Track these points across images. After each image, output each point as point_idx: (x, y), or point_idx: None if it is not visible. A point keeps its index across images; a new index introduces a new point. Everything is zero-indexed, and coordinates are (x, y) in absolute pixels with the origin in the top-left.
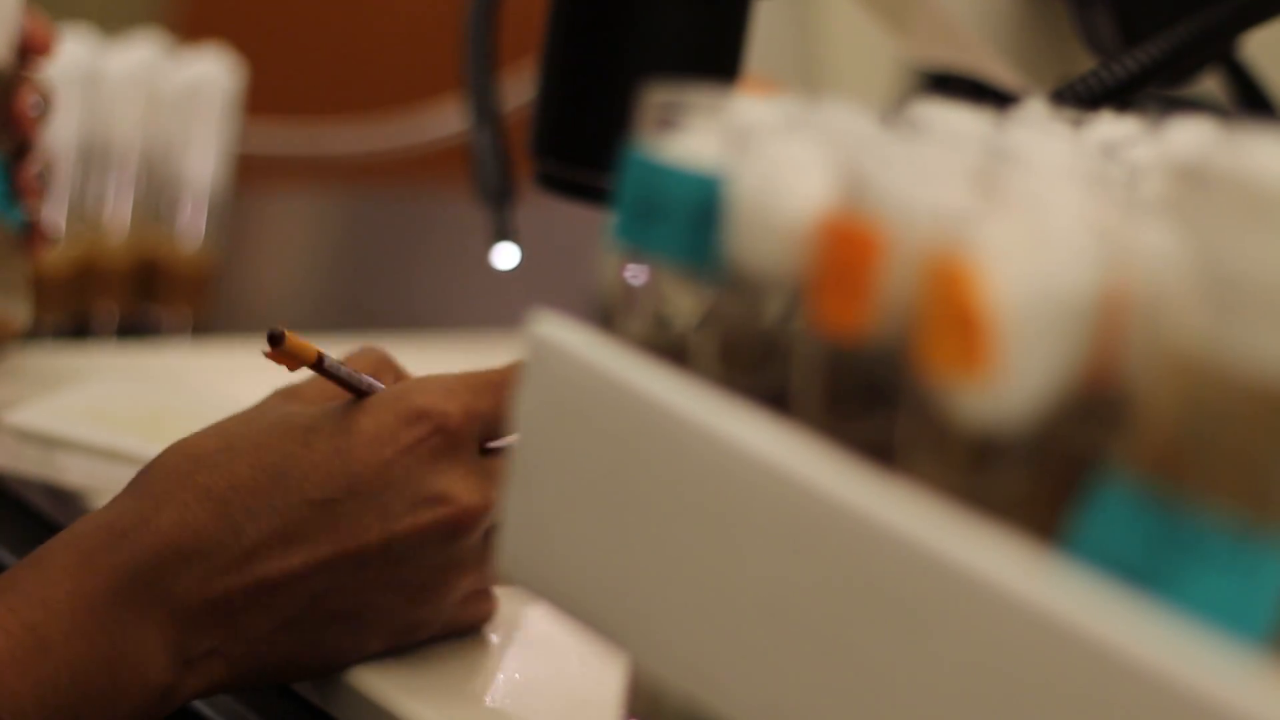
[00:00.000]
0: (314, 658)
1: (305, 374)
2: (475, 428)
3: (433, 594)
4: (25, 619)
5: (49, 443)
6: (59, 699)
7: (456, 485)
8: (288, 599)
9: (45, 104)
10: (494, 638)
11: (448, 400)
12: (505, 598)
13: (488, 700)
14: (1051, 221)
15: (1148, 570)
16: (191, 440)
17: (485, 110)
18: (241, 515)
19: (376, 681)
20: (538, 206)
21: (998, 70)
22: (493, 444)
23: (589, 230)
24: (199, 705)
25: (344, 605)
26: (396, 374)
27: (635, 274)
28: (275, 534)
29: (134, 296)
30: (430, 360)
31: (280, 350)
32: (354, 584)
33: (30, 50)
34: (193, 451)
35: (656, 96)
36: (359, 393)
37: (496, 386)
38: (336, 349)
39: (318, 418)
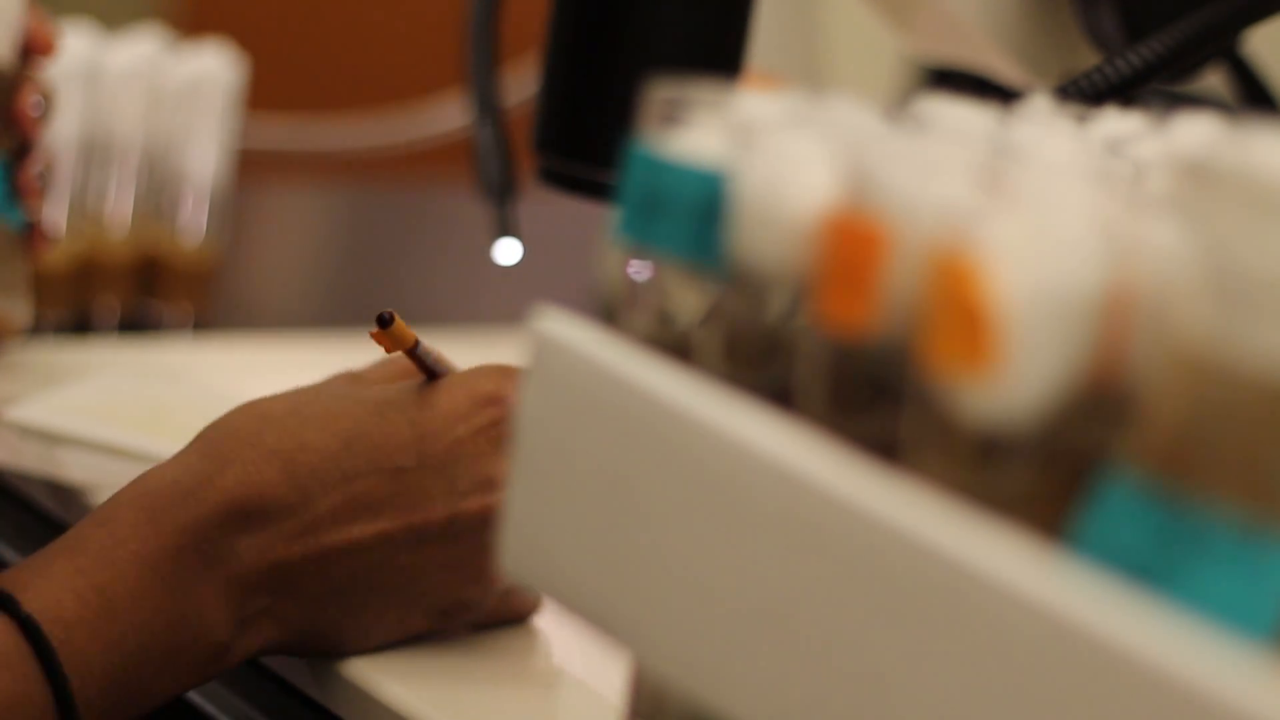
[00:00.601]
0: (360, 628)
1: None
2: None
3: (484, 576)
4: (94, 580)
5: (50, 439)
6: (124, 659)
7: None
8: (345, 567)
9: (46, 104)
10: (496, 635)
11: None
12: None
13: (490, 699)
14: (1057, 218)
15: (1153, 567)
16: (261, 402)
17: (487, 105)
18: (309, 479)
19: (380, 678)
20: (540, 202)
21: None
22: None
23: (591, 226)
24: (199, 701)
25: (396, 579)
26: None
27: (638, 270)
28: (342, 501)
29: (135, 292)
30: None
31: (386, 332)
32: (411, 559)
33: (32, 50)
34: (262, 411)
35: (660, 92)
36: (435, 379)
37: None
38: (341, 345)
39: (391, 393)
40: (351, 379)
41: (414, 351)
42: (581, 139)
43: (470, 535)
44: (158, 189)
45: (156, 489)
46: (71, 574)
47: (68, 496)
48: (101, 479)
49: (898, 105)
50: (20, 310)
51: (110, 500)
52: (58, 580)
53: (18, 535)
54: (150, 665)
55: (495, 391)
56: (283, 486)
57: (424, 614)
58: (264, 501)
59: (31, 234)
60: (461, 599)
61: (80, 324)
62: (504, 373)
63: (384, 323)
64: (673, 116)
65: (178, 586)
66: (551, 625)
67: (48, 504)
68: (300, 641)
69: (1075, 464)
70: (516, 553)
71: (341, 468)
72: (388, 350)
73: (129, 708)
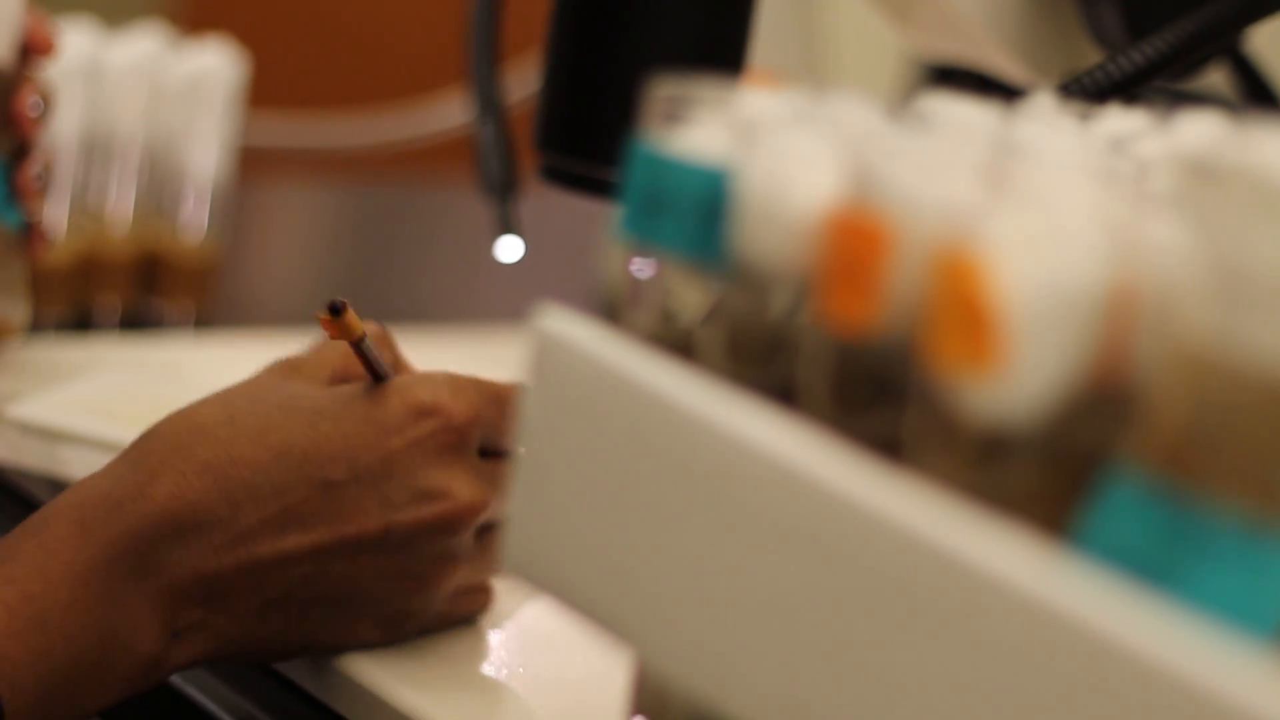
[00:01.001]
0: (300, 638)
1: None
2: (478, 430)
3: (426, 585)
4: (24, 590)
5: (51, 436)
6: (54, 670)
7: (457, 481)
8: (279, 579)
9: (45, 104)
10: (498, 633)
11: (455, 398)
12: (509, 592)
13: (493, 699)
14: (1061, 216)
15: (1157, 565)
16: (193, 410)
17: (489, 103)
18: (241, 492)
19: (382, 676)
20: (541, 199)
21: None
22: (492, 450)
23: (593, 224)
24: (201, 698)
25: (335, 590)
26: (394, 353)
27: (641, 268)
28: (274, 514)
29: (136, 289)
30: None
31: (336, 320)
32: (347, 570)
33: (32, 50)
34: (194, 421)
35: (662, 89)
36: (376, 377)
37: (501, 397)
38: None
39: (324, 401)
40: (288, 370)
41: (359, 345)
42: (583, 136)
43: (407, 546)
44: (159, 186)
45: (88, 499)
46: (1, 584)
47: None
48: None
49: (900, 103)
50: (19, 311)
51: (42, 510)
52: None
53: None
54: (81, 676)
55: (433, 402)
56: (213, 499)
57: (368, 624)
58: (195, 514)
59: (30, 235)
60: (403, 609)
61: (81, 321)
62: (450, 384)
63: (335, 311)
64: (675, 114)
65: (108, 598)
66: (555, 622)
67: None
68: (238, 652)
69: (1079, 462)
70: (520, 550)
71: (272, 480)
72: (332, 337)
73: (59, 719)
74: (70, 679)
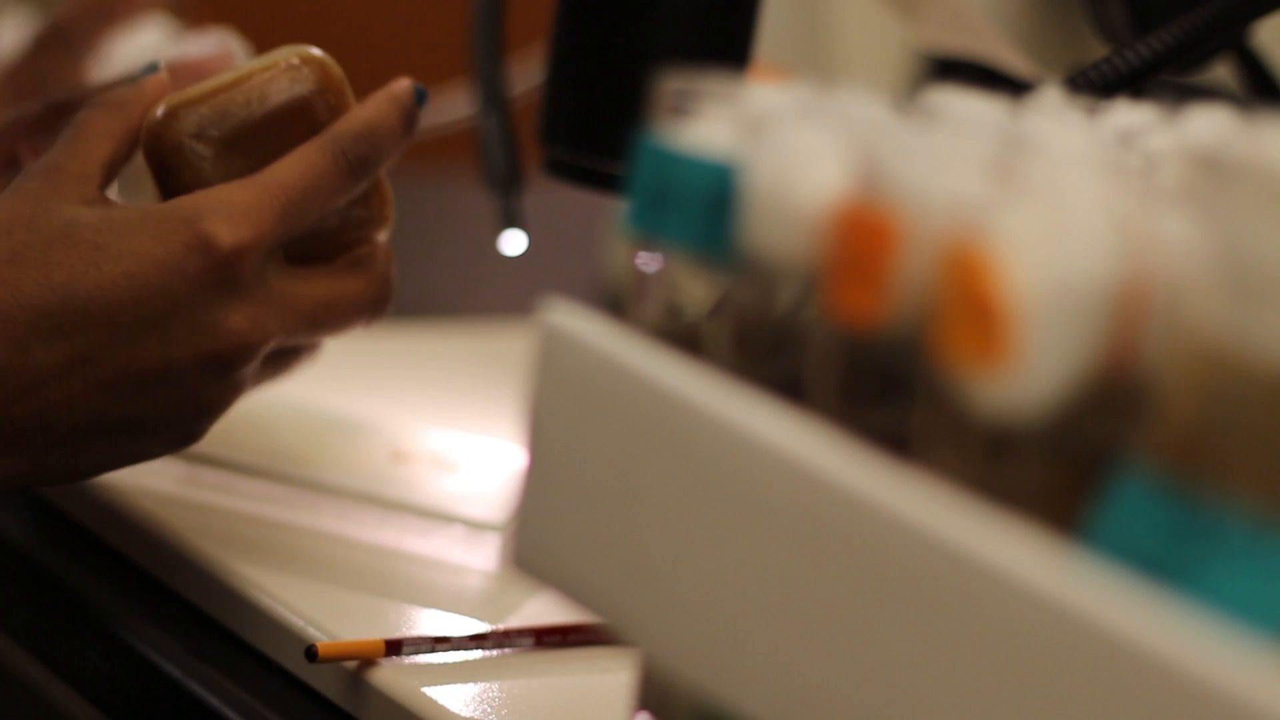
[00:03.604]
0: (91, 464)
1: None
2: (262, 254)
3: (211, 411)
4: None
5: None
6: None
7: (236, 317)
8: (67, 418)
9: None
10: (504, 629)
11: (239, 229)
12: (510, 589)
13: (500, 701)
14: (1069, 210)
15: (1167, 562)
16: None
17: (493, 96)
18: (29, 335)
19: (403, 681)
20: (546, 193)
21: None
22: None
23: (598, 218)
24: (203, 694)
25: (122, 421)
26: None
27: (647, 262)
28: (62, 358)
29: None
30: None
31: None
32: (133, 403)
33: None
34: None
35: (668, 83)
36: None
37: (288, 206)
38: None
39: (105, 233)
40: (56, 180)
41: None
42: (588, 130)
43: (189, 381)
44: None
45: None
46: None
47: (75, 487)
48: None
49: (907, 97)
50: None
51: None
52: None
53: (21, 528)
54: None
55: (214, 238)
56: (2, 344)
57: (158, 444)
58: None
59: None
60: (191, 430)
61: None
62: (241, 211)
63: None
64: (681, 108)
65: None
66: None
67: (52, 497)
68: (29, 483)
69: (1088, 458)
70: (527, 545)
71: (59, 324)
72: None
73: None
74: None
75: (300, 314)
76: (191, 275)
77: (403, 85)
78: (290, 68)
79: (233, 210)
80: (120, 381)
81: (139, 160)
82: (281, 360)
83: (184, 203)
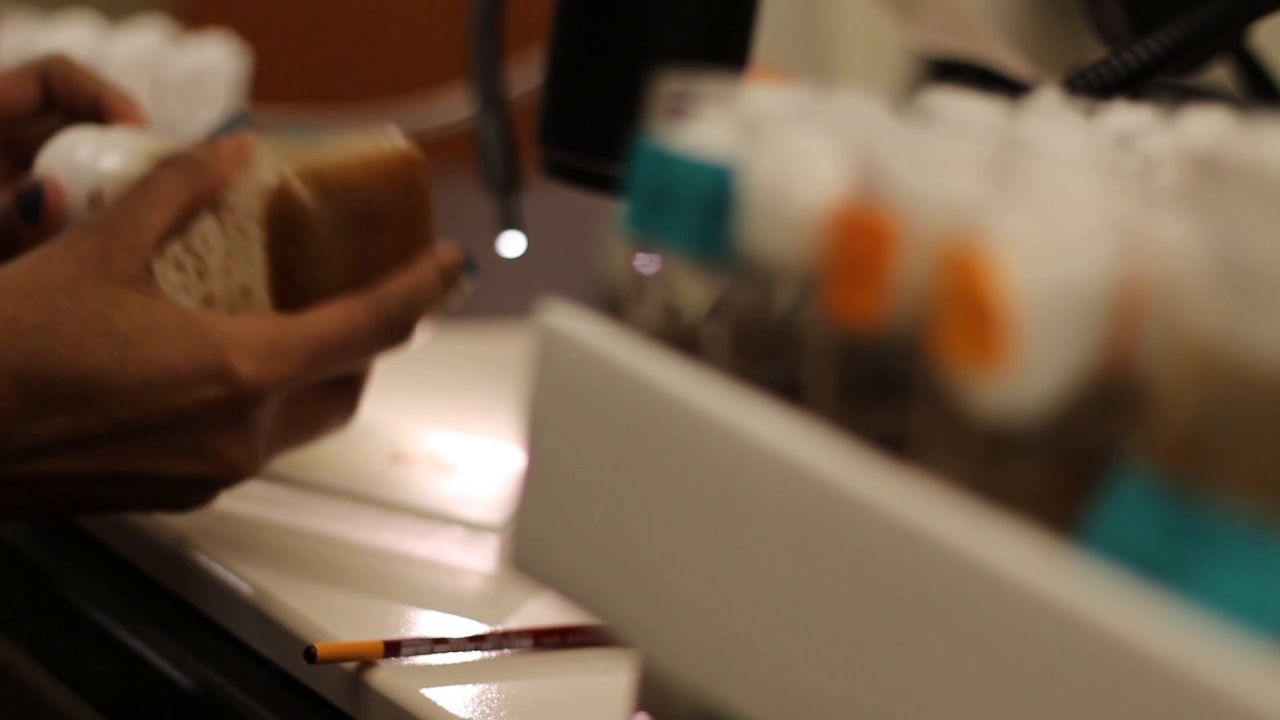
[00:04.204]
0: (65, 516)
1: None
2: (274, 393)
3: (182, 506)
4: None
5: None
6: None
7: (236, 449)
8: (49, 491)
9: None
10: (501, 629)
11: (264, 370)
12: (509, 590)
13: (499, 703)
14: (1067, 211)
15: (1164, 563)
16: (11, 299)
17: (491, 97)
18: (39, 406)
19: (402, 682)
20: (544, 195)
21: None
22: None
23: (597, 219)
24: (202, 695)
25: (99, 499)
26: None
27: (645, 263)
28: (63, 435)
29: None
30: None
31: None
32: (114, 491)
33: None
34: (9, 316)
35: (666, 85)
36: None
37: (319, 354)
38: None
39: (140, 331)
40: (106, 248)
41: None
42: (586, 131)
43: (175, 488)
44: None
45: None
46: None
47: None
48: None
49: (905, 99)
50: None
51: None
52: None
53: (22, 531)
54: None
55: (235, 373)
56: (13, 404)
57: (134, 511)
58: None
59: None
60: (167, 506)
61: None
62: (258, 348)
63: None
64: (679, 109)
65: None
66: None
67: None
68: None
69: (1086, 459)
70: (526, 547)
71: (71, 405)
72: None
73: None
74: None
75: (291, 432)
76: (206, 401)
77: (452, 258)
78: (402, 159)
79: (265, 350)
80: (108, 474)
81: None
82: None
83: (221, 327)
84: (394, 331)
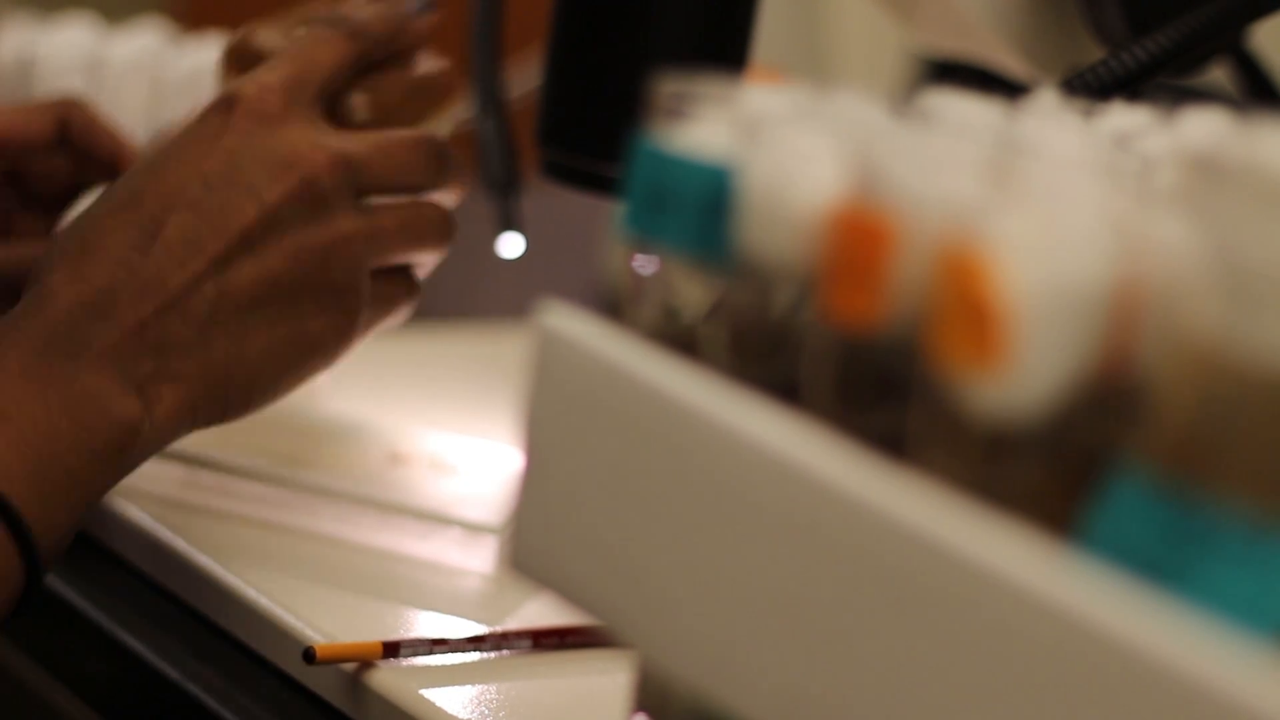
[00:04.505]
0: (257, 353)
1: None
2: (286, 92)
3: (330, 257)
4: None
5: None
6: (35, 451)
7: (292, 137)
8: (196, 305)
9: None
10: (500, 629)
11: (254, 79)
12: (508, 591)
13: (498, 703)
14: (1065, 212)
15: (1162, 564)
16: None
17: (491, 98)
18: (142, 236)
19: (401, 683)
20: (543, 196)
21: (1006, 60)
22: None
23: (596, 220)
24: (202, 696)
25: (254, 292)
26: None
27: (644, 264)
28: (162, 248)
29: None
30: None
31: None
32: (254, 270)
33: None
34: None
35: (665, 86)
36: None
37: (293, 51)
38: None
39: (160, 144)
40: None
41: None
42: (586, 132)
43: (291, 220)
44: None
45: (12, 312)
46: None
47: None
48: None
49: (904, 99)
50: None
51: None
52: None
53: None
54: (65, 447)
55: (230, 93)
56: (106, 271)
57: (313, 309)
58: (96, 293)
59: None
60: (330, 282)
61: None
62: (262, 70)
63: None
64: (678, 110)
65: (55, 382)
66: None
67: None
68: (215, 389)
69: (1084, 460)
70: (524, 547)
71: (142, 224)
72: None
73: (68, 499)
74: (56, 454)
75: (361, 143)
76: (231, 125)
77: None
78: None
79: (251, 76)
80: (226, 249)
81: None
82: (390, 285)
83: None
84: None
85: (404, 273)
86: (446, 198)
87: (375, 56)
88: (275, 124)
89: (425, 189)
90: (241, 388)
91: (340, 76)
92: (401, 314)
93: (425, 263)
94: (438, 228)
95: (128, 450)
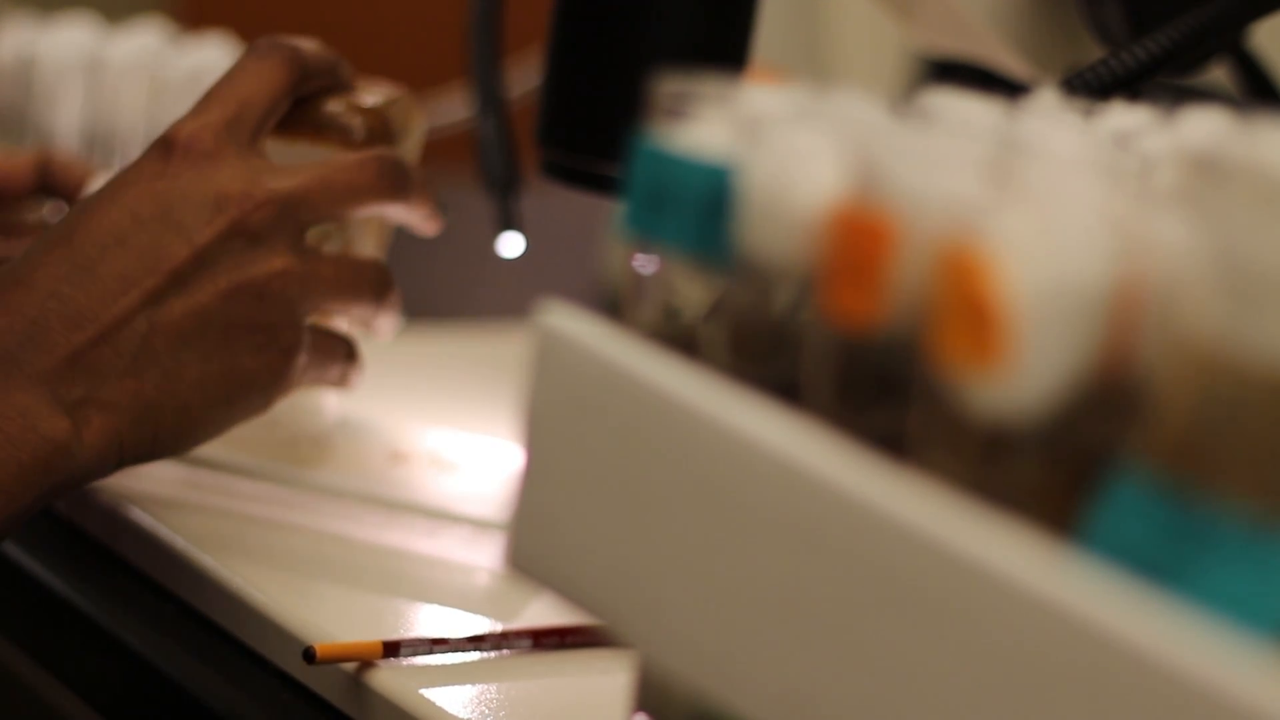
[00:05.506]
0: (188, 388)
1: None
2: (219, 130)
3: (264, 298)
4: None
5: None
6: None
7: (223, 176)
8: (128, 337)
9: None
10: (500, 629)
11: (188, 121)
12: (509, 590)
13: (498, 703)
14: (1065, 212)
15: (1162, 563)
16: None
17: (490, 98)
18: (78, 274)
19: (401, 683)
20: (543, 195)
21: (1006, 60)
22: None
23: (595, 220)
24: (202, 696)
25: (183, 326)
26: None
27: (644, 264)
28: (98, 288)
29: None
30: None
31: None
32: (185, 306)
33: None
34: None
35: (665, 85)
36: None
37: (227, 90)
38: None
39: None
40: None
41: None
42: (585, 132)
43: (221, 256)
44: None
45: None
46: None
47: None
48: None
49: (904, 99)
50: None
51: None
52: None
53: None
54: None
55: (166, 136)
56: (34, 305)
57: (245, 348)
58: (26, 323)
59: None
60: (260, 321)
61: None
62: (194, 114)
63: None
64: (678, 109)
65: None
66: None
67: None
68: (145, 422)
69: (1084, 459)
70: (524, 547)
71: (75, 260)
72: None
73: None
74: None
75: (297, 178)
76: (165, 169)
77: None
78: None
79: (189, 115)
80: (160, 288)
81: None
82: (329, 340)
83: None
84: (296, 60)
85: (343, 336)
86: (407, 214)
87: (313, 85)
88: (210, 164)
89: (380, 205)
90: (172, 420)
91: (278, 104)
92: (338, 373)
93: (364, 319)
94: (375, 285)
95: (55, 468)
